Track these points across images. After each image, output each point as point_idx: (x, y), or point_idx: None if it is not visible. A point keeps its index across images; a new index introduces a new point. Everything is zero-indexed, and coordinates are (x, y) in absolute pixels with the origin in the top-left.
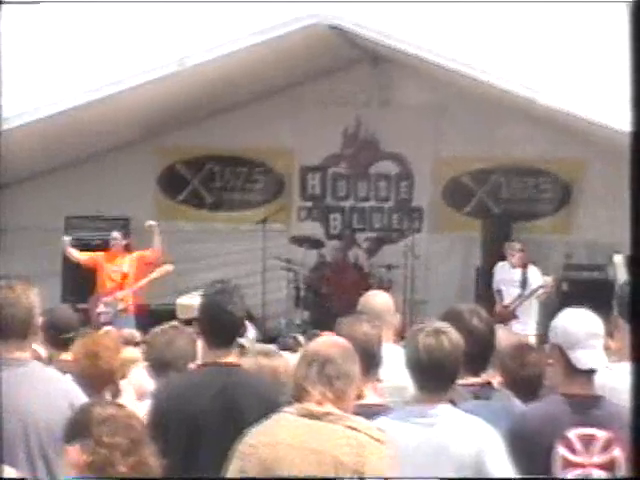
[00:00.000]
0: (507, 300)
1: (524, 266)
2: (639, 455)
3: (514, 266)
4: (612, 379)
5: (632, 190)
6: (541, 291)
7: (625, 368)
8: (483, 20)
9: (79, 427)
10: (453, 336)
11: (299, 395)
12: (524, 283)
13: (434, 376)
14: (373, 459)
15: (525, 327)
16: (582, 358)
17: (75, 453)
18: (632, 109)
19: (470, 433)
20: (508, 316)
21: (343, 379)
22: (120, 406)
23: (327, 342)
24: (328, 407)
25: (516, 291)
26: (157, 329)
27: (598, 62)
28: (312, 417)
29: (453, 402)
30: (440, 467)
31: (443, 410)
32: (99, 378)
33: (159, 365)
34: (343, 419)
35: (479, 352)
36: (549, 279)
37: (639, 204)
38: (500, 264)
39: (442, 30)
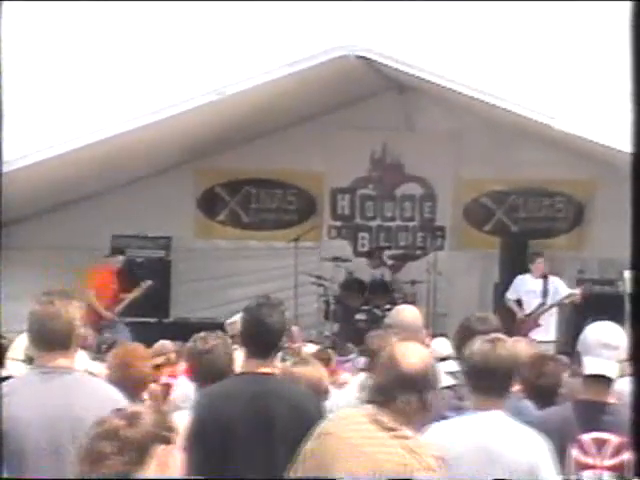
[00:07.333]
0: (527, 310)
1: (545, 277)
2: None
3: (536, 277)
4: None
5: (633, 203)
6: (568, 299)
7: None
8: (500, 50)
9: None
10: (508, 344)
11: (382, 400)
12: (545, 293)
13: (488, 381)
14: None
15: (546, 334)
16: (589, 364)
17: None
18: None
19: (524, 442)
20: (531, 325)
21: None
22: None
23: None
24: (397, 425)
25: (537, 301)
26: (198, 339)
27: (606, 88)
28: (381, 427)
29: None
30: (493, 474)
31: (497, 416)
32: (133, 386)
33: (200, 375)
34: (405, 438)
35: None
36: (577, 291)
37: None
38: (520, 277)
39: (462, 59)
